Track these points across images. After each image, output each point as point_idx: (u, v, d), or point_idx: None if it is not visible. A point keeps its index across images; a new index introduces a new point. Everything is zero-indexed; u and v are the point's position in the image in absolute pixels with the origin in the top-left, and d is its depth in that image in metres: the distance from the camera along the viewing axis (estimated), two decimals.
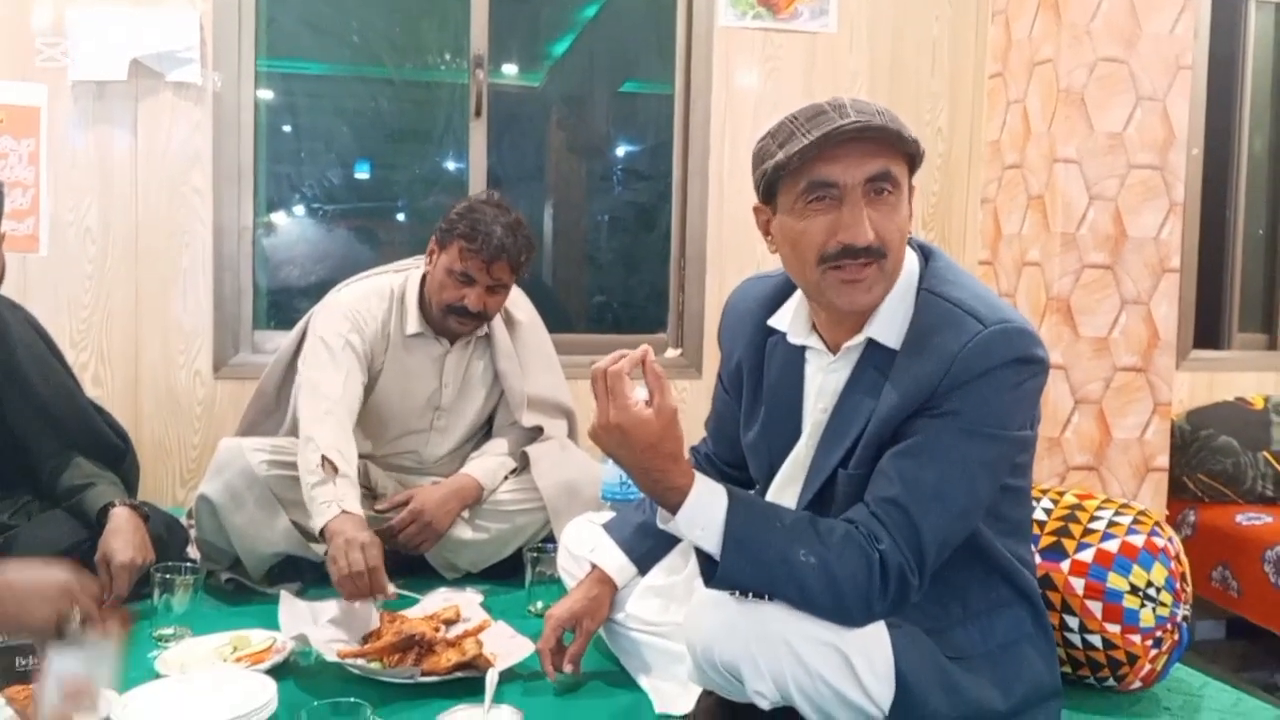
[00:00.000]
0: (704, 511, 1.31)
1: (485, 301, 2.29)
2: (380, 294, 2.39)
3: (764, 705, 1.33)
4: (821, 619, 1.31)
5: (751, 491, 1.49)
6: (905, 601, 1.33)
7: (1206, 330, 3.82)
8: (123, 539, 2.03)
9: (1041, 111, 3.09)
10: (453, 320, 2.32)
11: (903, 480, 1.33)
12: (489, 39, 3.27)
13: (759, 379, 1.57)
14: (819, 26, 3.36)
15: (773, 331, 1.55)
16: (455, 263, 2.26)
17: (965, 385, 1.32)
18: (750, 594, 1.33)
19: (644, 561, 1.72)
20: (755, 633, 1.30)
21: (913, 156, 1.38)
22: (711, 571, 1.33)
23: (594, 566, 1.75)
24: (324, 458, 2.07)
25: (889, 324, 1.41)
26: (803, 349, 1.51)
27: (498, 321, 2.48)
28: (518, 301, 2.57)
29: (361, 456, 2.39)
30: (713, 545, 1.31)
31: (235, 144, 3.04)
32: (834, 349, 1.47)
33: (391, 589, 1.99)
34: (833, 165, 1.33)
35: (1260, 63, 3.88)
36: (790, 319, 1.52)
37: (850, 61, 3.40)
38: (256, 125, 3.11)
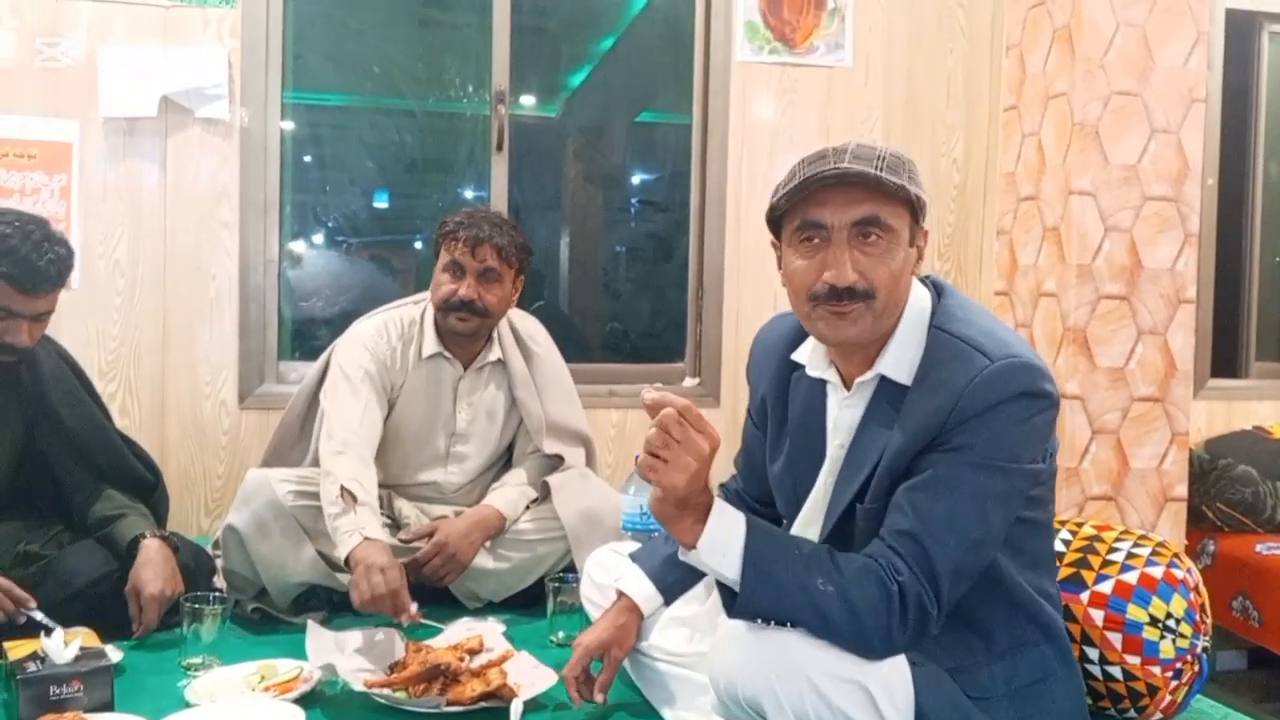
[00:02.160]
0: (723, 537, 1.34)
1: (479, 291, 2.34)
2: (399, 322, 2.45)
3: None
4: (843, 649, 1.32)
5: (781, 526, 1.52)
6: (925, 633, 1.35)
7: (1224, 359, 3.82)
8: (153, 570, 2.06)
9: (1056, 144, 3.12)
10: (453, 318, 2.36)
11: (916, 513, 1.36)
12: (510, 73, 3.32)
13: (783, 413, 1.60)
14: (835, 61, 3.40)
15: (796, 366, 1.59)
16: (445, 257, 2.35)
17: (973, 420, 1.36)
18: (773, 623, 1.35)
19: (670, 592, 1.74)
20: (778, 668, 1.32)
21: (910, 203, 1.42)
22: (733, 600, 1.35)
23: (621, 595, 1.76)
24: (343, 488, 2.10)
25: (900, 360, 1.44)
26: (824, 384, 1.55)
27: (514, 351, 2.51)
28: (534, 334, 2.60)
29: (384, 486, 2.43)
30: (732, 571, 1.33)
31: (261, 178, 3.09)
32: (848, 384, 1.50)
33: (414, 608, 2.05)
34: (821, 208, 1.40)
35: (1274, 93, 3.89)
36: (810, 353, 1.56)
37: (866, 95, 3.44)
38: (282, 159, 3.17)
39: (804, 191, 1.39)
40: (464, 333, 2.40)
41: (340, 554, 2.08)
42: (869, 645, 1.33)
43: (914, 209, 1.43)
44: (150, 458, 2.40)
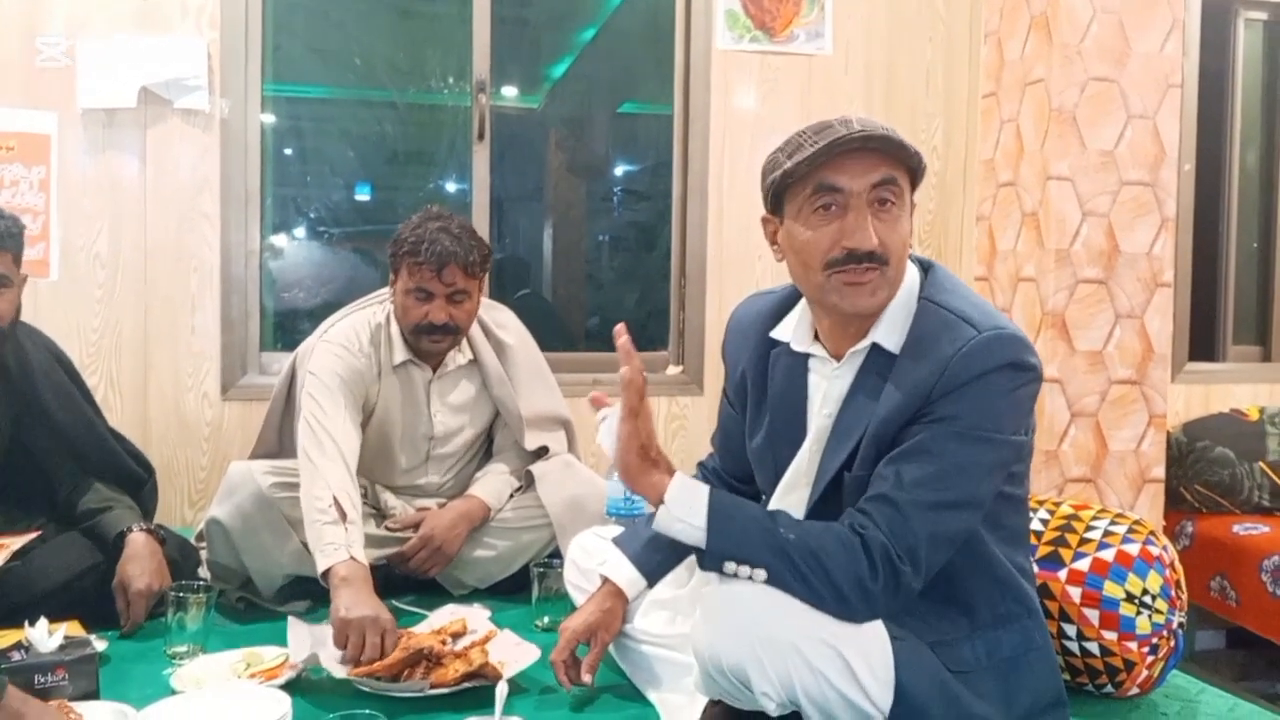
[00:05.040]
0: (689, 487, 1.42)
1: (450, 313, 2.29)
2: (366, 328, 2.39)
3: (771, 710, 1.35)
4: (820, 605, 1.34)
5: (758, 503, 1.54)
6: (901, 589, 1.36)
7: (1201, 342, 3.85)
8: (139, 565, 2.06)
9: (1034, 130, 3.14)
10: (426, 340, 2.33)
11: (895, 478, 1.38)
12: (490, 62, 3.32)
13: (763, 389, 1.62)
14: (815, 49, 3.42)
15: (775, 343, 1.61)
16: (409, 281, 2.28)
17: (959, 389, 1.38)
18: (750, 576, 1.37)
19: (654, 575, 1.75)
20: (761, 636, 1.33)
21: (914, 171, 1.46)
22: (704, 552, 1.40)
23: (605, 580, 1.77)
24: (335, 499, 2.04)
25: (891, 330, 1.46)
26: (806, 358, 1.57)
27: (485, 348, 2.49)
28: (504, 323, 2.57)
29: (368, 478, 2.43)
30: (699, 519, 1.38)
31: (242, 169, 3.08)
32: (837, 357, 1.52)
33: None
34: (839, 173, 1.40)
35: (1250, 78, 3.93)
36: (793, 329, 1.58)
37: (846, 83, 3.45)
38: (263, 150, 3.16)
39: (829, 154, 1.38)
40: (440, 352, 2.39)
41: (320, 564, 1.98)
42: (843, 597, 1.34)
43: (914, 178, 1.47)
44: (142, 454, 2.38)
